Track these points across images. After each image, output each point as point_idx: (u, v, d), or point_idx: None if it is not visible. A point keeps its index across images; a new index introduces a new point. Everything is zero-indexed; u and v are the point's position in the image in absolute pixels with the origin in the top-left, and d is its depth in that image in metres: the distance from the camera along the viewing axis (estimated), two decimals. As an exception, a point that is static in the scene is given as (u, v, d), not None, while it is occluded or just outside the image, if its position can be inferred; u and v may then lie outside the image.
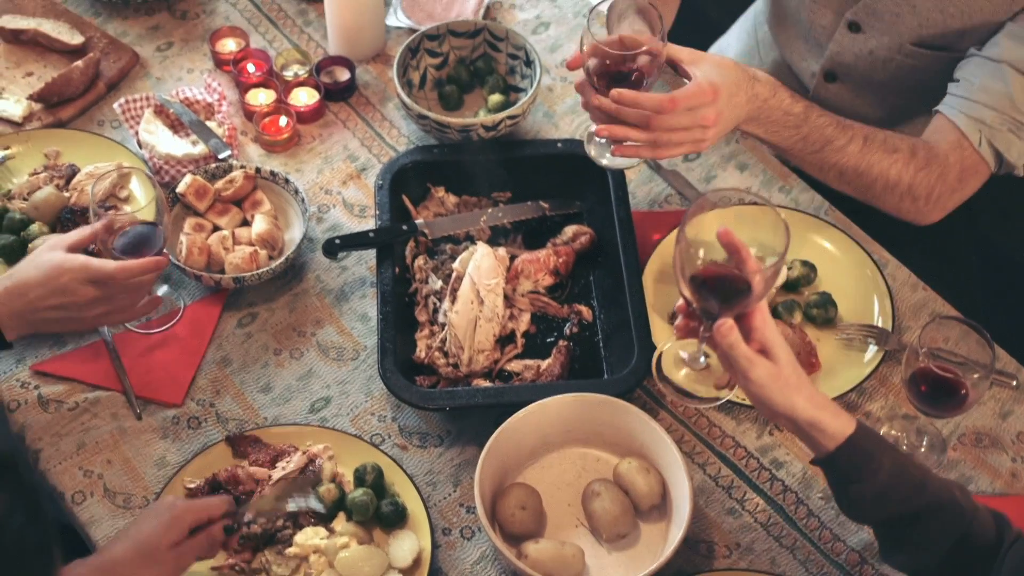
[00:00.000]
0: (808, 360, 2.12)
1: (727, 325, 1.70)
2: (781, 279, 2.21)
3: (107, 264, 1.97)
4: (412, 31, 2.56)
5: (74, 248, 2.00)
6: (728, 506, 2.02)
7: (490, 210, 2.32)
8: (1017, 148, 2.20)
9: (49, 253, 1.99)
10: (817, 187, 2.42)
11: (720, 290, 1.73)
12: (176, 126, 2.44)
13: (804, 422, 1.72)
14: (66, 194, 2.30)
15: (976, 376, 1.90)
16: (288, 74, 2.53)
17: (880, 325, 2.18)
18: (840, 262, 2.27)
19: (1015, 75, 2.16)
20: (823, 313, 2.19)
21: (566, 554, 1.89)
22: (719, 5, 2.36)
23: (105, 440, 2.07)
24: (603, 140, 2.09)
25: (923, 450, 2.07)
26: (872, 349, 2.15)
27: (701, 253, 1.75)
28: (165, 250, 2.08)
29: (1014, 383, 2.15)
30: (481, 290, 2.14)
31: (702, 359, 1.87)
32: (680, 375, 1.88)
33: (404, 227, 2.23)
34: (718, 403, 1.87)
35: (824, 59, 2.47)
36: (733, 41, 2.86)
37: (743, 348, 1.72)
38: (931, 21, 2.26)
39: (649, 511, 1.97)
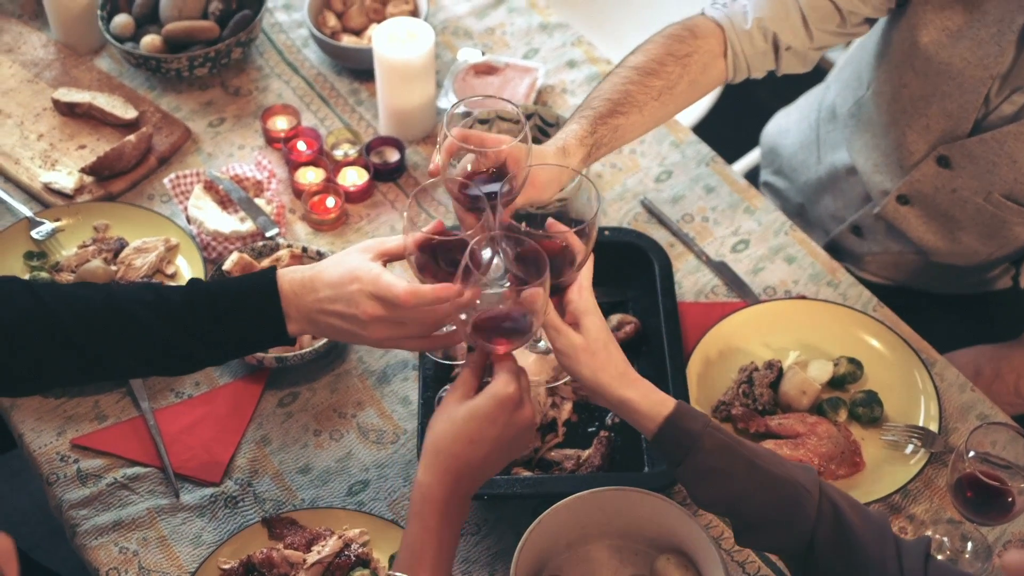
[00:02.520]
0: (852, 459, 2.10)
1: (531, 292, 1.70)
2: (826, 375, 2.19)
3: (396, 285, 1.76)
4: (465, 114, 2.56)
5: (384, 256, 1.84)
6: (767, 607, 1.99)
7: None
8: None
9: (356, 254, 1.83)
10: (866, 282, 2.41)
11: (533, 264, 1.74)
12: (225, 202, 2.46)
13: (614, 401, 1.77)
14: (113, 267, 2.31)
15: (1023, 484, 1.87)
16: (338, 153, 2.54)
17: (926, 426, 2.15)
18: (887, 360, 2.25)
19: None
20: (868, 412, 2.16)
21: (601, 651, 1.86)
22: (766, 83, 2.34)
23: (142, 517, 2.06)
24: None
25: (967, 556, 2.04)
26: (917, 450, 2.12)
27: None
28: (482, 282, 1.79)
29: (1062, 491, 2.11)
30: (523, 379, 2.12)
31: (541, 343, 1.93)
32: (529, 361, 1.96)
33: (448, 311, 2.23)
34: (556, 384, 1.99)
35: (903, 183, 2.41)
36: (791, 128, 2.82)
37: (550, 317, 1.77)
38: None
39: (686, 609, 1.94)
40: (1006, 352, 2.39)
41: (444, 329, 1.87)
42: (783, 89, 3.06)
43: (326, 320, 1.81)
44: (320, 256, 2.32)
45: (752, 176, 2.97)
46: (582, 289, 1.80)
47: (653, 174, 2.57)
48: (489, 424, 1.70)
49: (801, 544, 1.70)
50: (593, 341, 1.77)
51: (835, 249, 2.66)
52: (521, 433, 1.74)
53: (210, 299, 1.81)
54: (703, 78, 2.18)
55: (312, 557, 1.97)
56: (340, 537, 2.00)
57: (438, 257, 1.81)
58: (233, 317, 1.81)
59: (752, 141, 3.09)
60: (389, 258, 1.85)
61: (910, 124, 2.35)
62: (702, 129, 3.40)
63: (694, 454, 1.72)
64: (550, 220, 1.79)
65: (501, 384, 1.71)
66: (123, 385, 2.20)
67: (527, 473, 2.09)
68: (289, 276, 1.82)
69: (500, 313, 1.74)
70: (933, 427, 2.14)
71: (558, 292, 1.82)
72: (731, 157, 3.08)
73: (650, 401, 1.76)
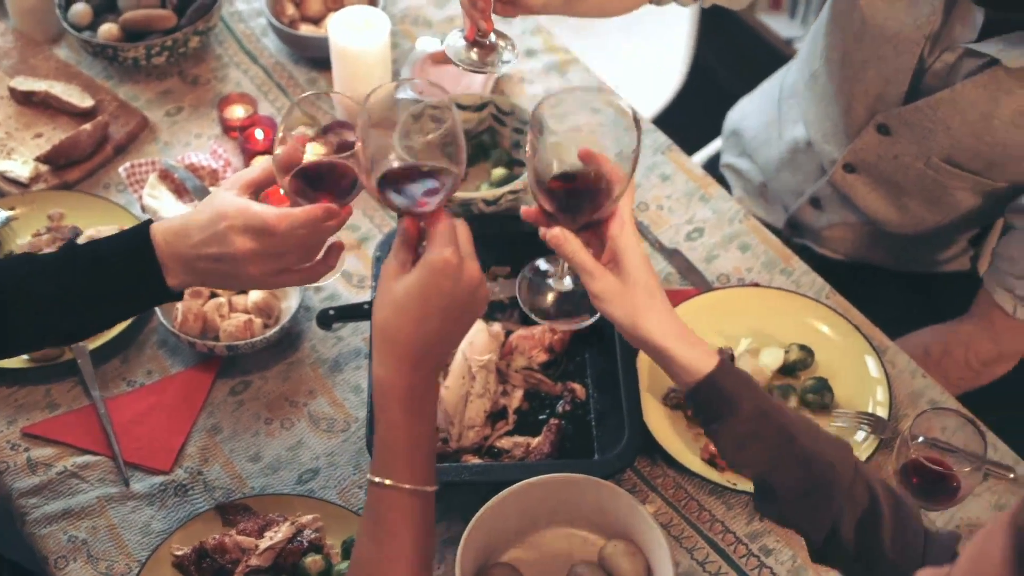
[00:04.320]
0: (802, 446, 2.10)
1: (554, 233, 1.66)
2: (777, 362, 2.20)
3: (266, 211, 1.70)
4: (419, 102, 2.56)
5: (249, 188, 1.77)
6: (714, 592, 2.00)
7: (488, 285, 2.31)
8: None
9: (222, 192, 1.75)
10: (819, 270, 2.42)
11: (574, 198, 1.68)
12: (180, 191, 2.45)
13: (653, 348, 1.68)
14: (67, 256, 2.31)
15: (968, 468, 1.88)
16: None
17: (877, 412, 2.16)
18: (838, 347, 2.26)
19: None
20: (819, 399, 2.17)
21: (547, 637, 1.87)
22: (730, 71, 2.35)
23: (92, 505, 2.07)
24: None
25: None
26: (868, 436, 2.13)
27: (555, 165, 1.70)
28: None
29: (1011, 475, 2.12)
30: (473, 366, 2.13)
31: (567, 280, 1.82)
32: (548, 300, 1.84)
33: (400, 300, 2.23)
34: (582, 325, 1.85)
35: (847, 151, 2.45)
36: (754, 110, 2.85)
37: (582, 257, 1.67)
38: (964, 144, 2.24)
39: (634, 595, 1.95)
40: (953, 328, 2.40)
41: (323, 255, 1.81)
42: (748, 77, 3.06)
43: (204, 266, 1.73)
44: (274, 245, 2.32)
45: (713, 164, 2.98)
46: (624, 223, 1.68)
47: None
48: (433, 296, 1.55)
49: (823, 529, 1.65)
50: (633, 284, 1.66)
51: (795, 226, 2.69)
52: (471, 295, 1.60)
53: (86, 259, 1.74)
54: None
55: (264, 543, 1.97)
56: (293, 523, 2.00)
57: (315, 180, 1.77)
58: (110, 274, 1.73)
59: (715, 132, 3.09)
60: (256, 188, 1.79)
61: (853, 91, 2.38)
62: (664, 120, 3.42)
63: (729, 418, 1.65)
64: (583, 148, 1.70)
65: (436, 249, 1.56)
66: (75, 374, 2.20)
67: (476, 460, 2.09)
68: (164, 227, 1.74)
69: (412, 168, 1.62)
70: (883, 413, 2.15)
71: (592, 227, 1.72)
72: (694, 147, 3.10)
73: (692, 355, 1.66)
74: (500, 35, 2.07)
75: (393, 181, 1.61)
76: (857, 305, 2.35)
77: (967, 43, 2.15)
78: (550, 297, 1.83)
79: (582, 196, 1.69)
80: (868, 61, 2.31)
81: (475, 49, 2.06)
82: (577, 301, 1.81)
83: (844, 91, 2.41)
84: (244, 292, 2.28)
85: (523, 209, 1.75)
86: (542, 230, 1.70)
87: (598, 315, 1.77)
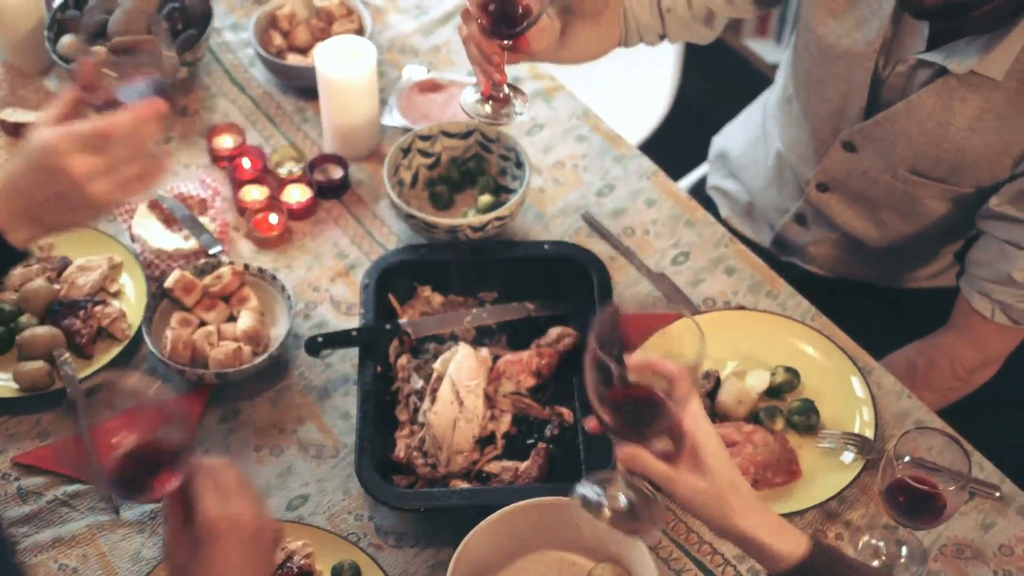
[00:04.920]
0: (789, 467, 2.12)
1: (626, 453, 1.61)
2: (762, 385, 2.21)
3: (95, 121, 1.70)
4: (407, 131, 2.59)
5: (59, 120, 1.73)
6: (703, 614, 2.01)
7: (475, 310, 2.33)
8: None
9: (37, 132, 1.71)
10: (807, 287, 2.43)
11: (637, 411, 1.63)
12: (169, 221, 2.47)
13: (744, 541, 1.64)
14: (56, 286, 2.33)
15: (953, 487, 1.89)
16: (282, 171, 2.56)
17: (863, 433, 2.17)
18: (824, 368, 2.27)
19: (1014, 252, 2.21)
20: (805, 420, 2.18)
21: (536, 660, 1.88)
22: (717, 98, 2.38)
23: (82, 534, 2.07)
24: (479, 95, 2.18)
25: (903, 560, 2.06)
26: (854, 457, 2.14)
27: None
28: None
29: (997, 494, 2.13)
30: (461, 391, 2.14)
31: (621, 498, 1.73)
32: (607, 521, 1.74)
33: (387, 326, 2.25)
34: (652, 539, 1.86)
35: (818, 170, 2.49)
36: (740, 132, 2.88)
37: (658, 469, 1.61)
38: (925, 154, 2.28)
39: (623, 617, 1.96)
40: (935, 339, 2.42)
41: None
42: (734, 103, 3.08)
43: (44, 210, 1.71)
44: (262, 274, 2.34)
45: (699, 188, 3.00)
46: (697, 417, 1.63)
47: (595, 188, 2.59)
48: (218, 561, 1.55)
49: None
50: (718, 480, 1.61)
51: (781, 243, 2.71)
52: (253, 541, 1.58)
53: None
54: (609, 29, 2.38)
55: (253, 571, 1.98)
56: (283, 549, 2.01)
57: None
58: None
59: (701, 158, 3.11)
60: (64, 119, 1.73)
61: (817, 111, 2.43)
62: (651, 146, 3.44)
63: None
64: (634, 359, 1.67)
65: (200, 515, 1.55)
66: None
67: (465, 485, 2.10)
68: None
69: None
70: (869, 434, 2.16)
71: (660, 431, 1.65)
72: (680, 173, 3.11)
73: (783, 542, 1.62)
74: (512, 87, 2.18)
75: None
76: (844, 323, 2.37)
77: (917, 54, 2.19)
78: (609, 516, 1.76)
79: (644, 406, 1.64)
80: (827, 80, 2.36)
81: (490, 103, 2.17)
82: (638, 514, 1.75)
83: (810, 112, 2.46)
84: (233, 319, 2.29)
85: (588, 424, 1.72)
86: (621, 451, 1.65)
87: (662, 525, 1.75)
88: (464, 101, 2.19)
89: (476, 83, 2.19)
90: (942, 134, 2.23)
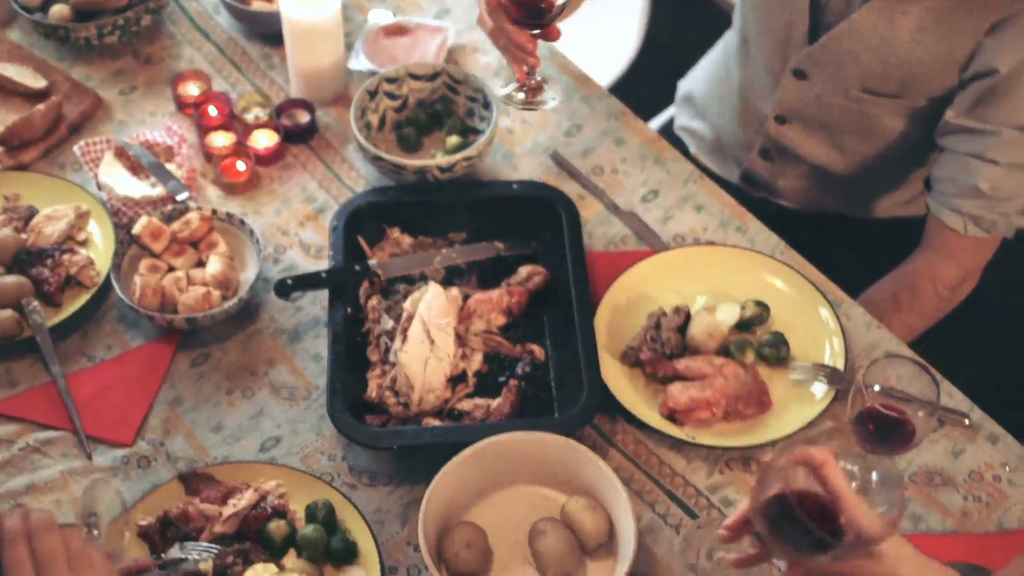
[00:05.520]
0: (760, 399, 2.12)
1: None
2: (733, 318, 2.22)
3: None
4: (374, 74, 2.58)
5: None
6: (677, 545, 2.01)
7: (444, 251, 2.33)
8: (1001, 224, 2.28)
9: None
10: (775, 227, 2.44)
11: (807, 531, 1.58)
12: (136, 168, 2.45)
13: None
14: (23, 236, 2.31)
15: (922, 413, 1.90)
16: (249, 117, 2.55)
17: (833, 364, 2.18)
18: (794, 301, 2.28)
19: (977, 164, 2.22)
20: (775, 352, 2.19)
21: (510, 593, 1.89)
22: (684, 41, 2.39)
23: (55, 480, 2.07)
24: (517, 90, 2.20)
25: (874, 486, 2.06)
26: (824, 387, 2.15)
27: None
28: None
29: (967, 422, 2.15)
30: (431, 330, 2.14)
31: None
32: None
33: (357, 268, 2.24)
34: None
35: (774, 103, 2.51)
36: (704, 73, 2.88)
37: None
38: (873, 71, 2.30)
39: (596, 550, 1.96)
40: (913, 266, 2.42)
41: None
42: (701, 46, 3.07)
43: None
44: (230, 219, 2.33)
45: (667, 129, 2.99)
46: (858, 508, 1.60)
47: (563, 128, 2.58)
48: None
49: None
50: (889, 562, 1.61)
51: (749, 179, 2.73)
52: None
53: None
54: None
55: (228, 510, 1.98)
56: (256, 490, 2.01)
57: None
58: None
59: (668, 101, 3.10)
60: None
61: (766, 43, 2.47)
62: (619, 89, 3.43)
63: None
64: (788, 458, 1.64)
65: None
66: (34, 351, 2.20)
67: (437, 423, 2.10)
68: None
69: None
70: (839, 365, 2.17)
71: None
72: (648, 115, 3.11)
73: None
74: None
75: None
76: (815, 258, 2.37)
77: None
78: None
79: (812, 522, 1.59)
80: (771, 10, 2.40)
81: (525, 90, 2.22)
82: None
83: (760, 46, 2.49)
84: (202, 265, 2.29)
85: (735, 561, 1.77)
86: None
87: None
88: (502, 93, 2.23)
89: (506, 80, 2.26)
90: (888, 49, 2.25)
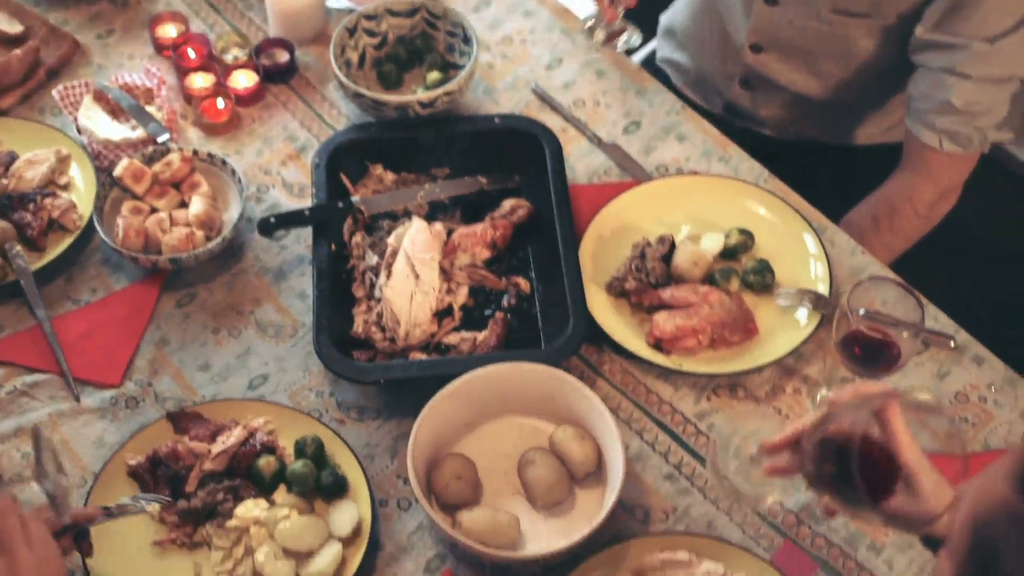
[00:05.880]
0: (746, 326, 2.13)
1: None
2: (717, 247, 2.22)
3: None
4: (352, 11, 2.56)
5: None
6: (665, 471, 2.02)
7: (428, 186, 2.32)
8: (977, 139, 2.29)
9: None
10: (763, 152, 2.44)
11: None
12: (116, 112, 2.44)
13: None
14: (4, 181, 2.30)
15: (907, 335, 1.90)
16: (228, 57, 2.54)
17: (817, 289, 2.18)
18: (778, 228, 2.28)
19: (949, 79, 2.23)
20: (760, 279, 2.19)
21: (501, 522, 1.89)
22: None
23: (43, 422, 2.07)
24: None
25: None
26: (809, 313, 2.16)
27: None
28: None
29: (952, 344, 2.15)
30: (416, 264, 2.14)
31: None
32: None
33: (340, 204, 2.24)
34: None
35: (748, 32, 2.52)
36: (683, 7, 2.87)
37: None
38: None
39: (585, 478, 1.97)
40: (891, 186, 2.44)
41: None
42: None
43: None
44: (212, 159, 2.32)
45: (650, 62, 2.98)
46: (923, 474, 1.55)
47: (544, 62, 2.57)
48: None
49: None
50: (932, 506, 1.55)
51: (732, 110, 2.73)
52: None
53: None
54: None
55: (217, 447, 1.98)
56: (244, 427, 2.01)
57: None
58: None
59: (651, 34, 3.09)
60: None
61: None
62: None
63: None
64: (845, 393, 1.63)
65: None
66: (19, 295, 2.20)
67: (424, 357, 2.11)
68: None
69: None
70: (823, 289, 2.18)
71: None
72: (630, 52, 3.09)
73: None
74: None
75: None
76: (798, 186, 2.37)
77: None
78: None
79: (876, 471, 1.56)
80: None
81: (608, 28, 2.33)
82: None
83: None
84: (185, 205, 2.28)
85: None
86: None
87: None
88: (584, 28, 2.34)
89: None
90: None
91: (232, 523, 1.93)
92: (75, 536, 1.78)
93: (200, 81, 2.50)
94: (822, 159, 2.69)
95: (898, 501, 1.57)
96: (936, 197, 2.39)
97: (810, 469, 1.63)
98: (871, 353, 1.93)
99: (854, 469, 1.51)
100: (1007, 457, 1.05)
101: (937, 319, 2.19)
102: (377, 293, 2.15)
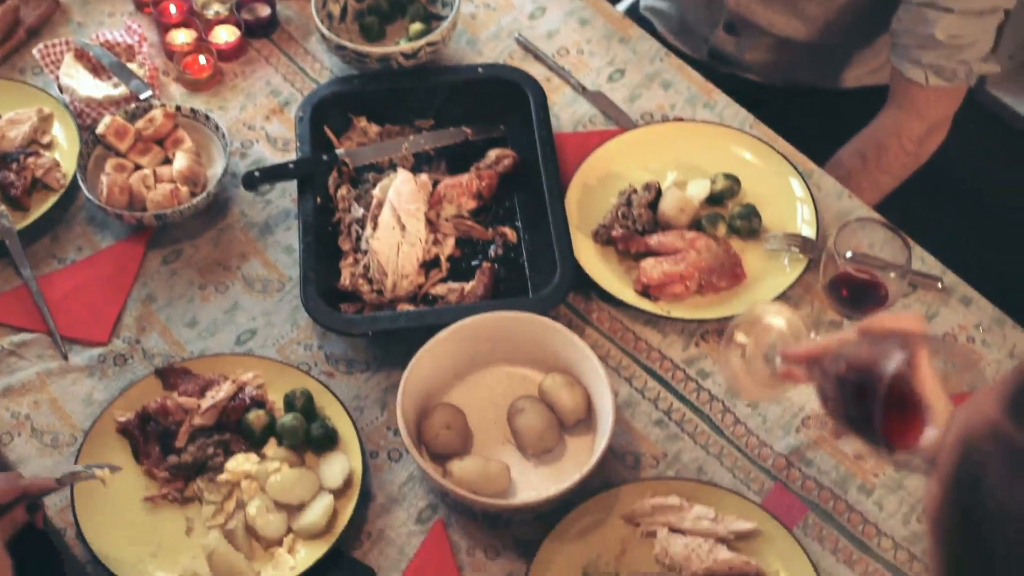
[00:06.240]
0: (733, 271, 2.13)
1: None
2: (703, 192, 2.22)
3: None
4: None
5: None
6: (655, 417, 2.03)
7: (412, 137, 2.32)
8: (962, 72, 2.28)
9: None
10: (742, 102, 2.43)
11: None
12: (97, 69, 2.43)
13: None
14: (-13, 141, 2.30)
15: (894, 276, 1.90)
16: (209, 12, 2.52)
17: (803, 232, 2.18)
18: (764, 173, 2.27)
19: (932, 12, 2.23)
20: (747, 224, 2.19)
21: (491, 470, 1.89)
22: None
23: (32, 381, 2.07)
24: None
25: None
26: (796, 257, 2.15)
27: None
28: None
29: (939, 285, 2.15)
30: (402, 215, 2.13)
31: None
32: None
33: (324, 157, 2.23)
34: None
35: None
36: None
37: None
38: None
39: (575, 425, 1.97)
40: (879, 123, 2.43)
41: None
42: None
43: None
44: (195, 115, 2.31)
45: (633, 11, 2.97)
46: (929, 380, 1.46)
47: (527, 11, 2.56)
48: None
49: None
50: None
51: (717, 56, 2.72)
52: None
53: None
54: None
55: (206, 402, 1.98)
56: (233, 382, 2.01)
57: None
58: None
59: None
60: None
61: None
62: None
63: None
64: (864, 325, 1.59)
65: None
66: (4, 255, 2.19)
67: (411, 308, 2.10)
68: None
69: None
70: (810, 233, 2.17)
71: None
72: (614, 1, 3.08)
73: None
74: None
75: None
76: (789, 131, 2.37)
77: None
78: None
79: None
80: None
81: None
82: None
83: None
84: (169, 162, 2.27)
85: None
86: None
87: None
88: None
89: None
90: None
91: (223, 477, 1.93)
92: (27, 508, 1.79)
93: (181, 37, 2.48)
94: (808, 103, 2.68)
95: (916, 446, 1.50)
96: (924, 133, 2.39)
97: (827, 391, 1.57)
98: (859, 295, 1.93)
99: (876, 413, 1.46)
100: (999, 380, 1.06)
101: (924, 260, 2.19)
102: (363, 245, 2.15)
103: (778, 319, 1.75)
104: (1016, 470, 0.96)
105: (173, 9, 2.51)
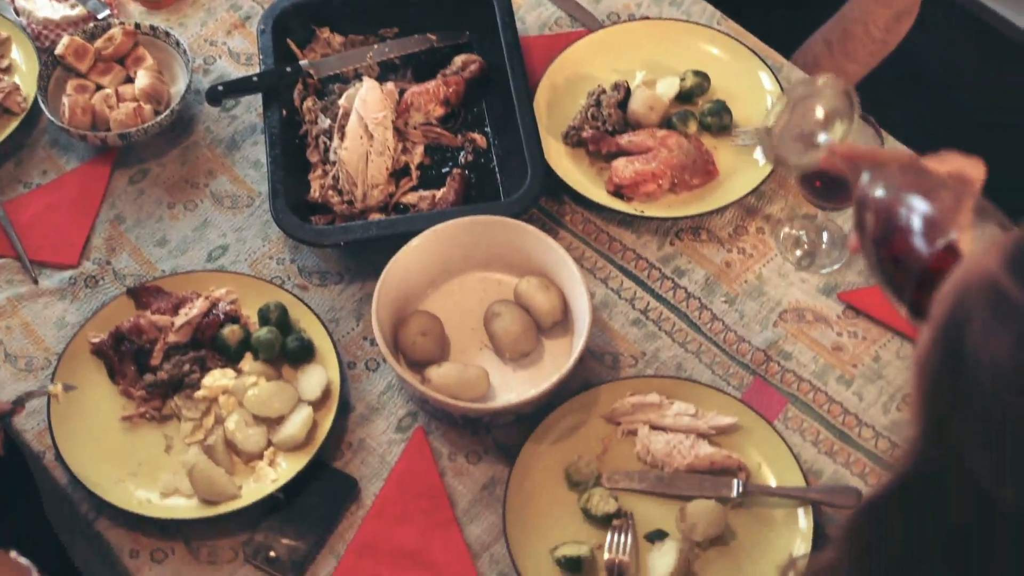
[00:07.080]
0: (706, 168, 2.11)
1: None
2: (673, 90, 2.20)
3: None
4: None
5: None
6: (632, 317, 2.02)
7: (377, 46, 2.29)
8: None
9: None
10: (714, 2, 2.40)
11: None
12: (54, -10, 2.39)
13: None
14: (-57, 67, 2.26)
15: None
16: (164, -71, 2.48)
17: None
18: (734, 69, 2.25)
19: None
20: (718, 120, 2.17)
21: (469, 376, 1.89)
22: None
23: (3, 307, 2.05)
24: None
25: (825, 246, 2.07)
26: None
27: None
28: None
29: (912, 174, 2.14)
30: (369, 124, 2.11)
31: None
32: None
33: (288, 69, 2.20)
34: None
35: None
36: None
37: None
38: None
39: (552, 328, 1.97)
40: (843, 12, 2.41)
41: None
42: None
43: None
44: (155, 32, 2.28)
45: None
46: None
47: (488, -85, 2.52)
48: None
49: None
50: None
51: None
52: None
53: None
54: None
55: (180, 319, 1.97)
56: (207, 298, 2.00)
57: None
58: None
59: None
60: None
61: None
62: None
63: None
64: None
65: None
66: (-33, 182, 2.17)
67: (382, 217, 2.09)
68: None
69: None
70: (782, 127, 2.16)
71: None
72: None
73: None
74: None
75: None
76: (756, 27, 2.34)
77: None
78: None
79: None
80: None
81: None
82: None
83: None
84: (131, 80, 2.24)
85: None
86: None
87: None
88: None
89: None
90: None
91: (200, 394, 1.93)
92: None
93: (137, -46, 2.44)
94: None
95: None
96: (890, 19, 2.36)
97: (864, 218, 1.47)
98: (832, 186, 1.91)
99: (907, 282, 1.36)
100: (1005, 235, 1.05)
101: (896, 150, 2.17)
102: (332, 156, 2.12)
103: (832, 103, 1.74)
104: (999, 318, 0.95)
105: (129, -74, 2.47)
